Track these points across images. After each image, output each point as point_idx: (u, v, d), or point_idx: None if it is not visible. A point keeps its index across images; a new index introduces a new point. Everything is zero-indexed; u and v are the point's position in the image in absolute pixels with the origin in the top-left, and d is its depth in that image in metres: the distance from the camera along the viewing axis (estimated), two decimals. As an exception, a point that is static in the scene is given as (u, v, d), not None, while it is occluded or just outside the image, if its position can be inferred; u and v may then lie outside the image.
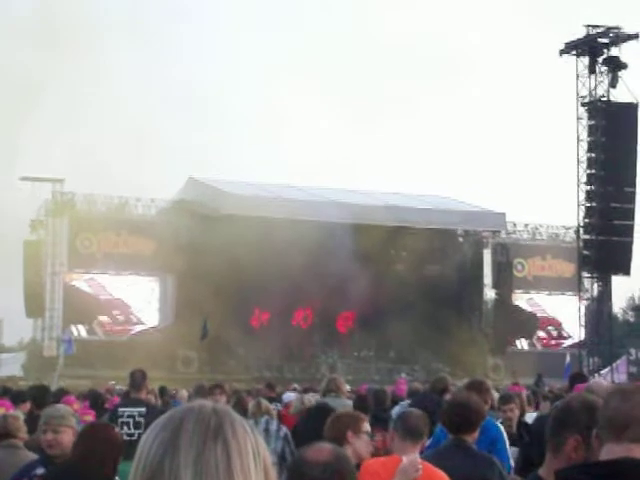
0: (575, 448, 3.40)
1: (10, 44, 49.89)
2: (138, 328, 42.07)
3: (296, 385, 23.56)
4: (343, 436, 5.49)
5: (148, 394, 12.88)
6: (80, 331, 40.92)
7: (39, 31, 45.32)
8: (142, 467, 1.59)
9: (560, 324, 48.29)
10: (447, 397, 9.59)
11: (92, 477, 5.16)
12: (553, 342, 48.15)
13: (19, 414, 7.09)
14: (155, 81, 76.02)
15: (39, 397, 10.42)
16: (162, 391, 17.22)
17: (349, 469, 3.55)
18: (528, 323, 47.40)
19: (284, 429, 10.49)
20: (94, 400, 13.80)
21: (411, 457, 5.27)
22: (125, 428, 9.57)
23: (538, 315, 48.17)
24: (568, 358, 36.84)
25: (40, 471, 5.78)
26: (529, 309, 48.18)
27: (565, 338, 47.77)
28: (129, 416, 9.74)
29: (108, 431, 5.63)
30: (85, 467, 5.21)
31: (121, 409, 10.09)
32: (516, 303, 47.33)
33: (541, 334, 48.30)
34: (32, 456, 6.31)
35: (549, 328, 48.51)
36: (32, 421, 7.68)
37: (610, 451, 2.76)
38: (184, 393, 17.18)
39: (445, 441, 6.26)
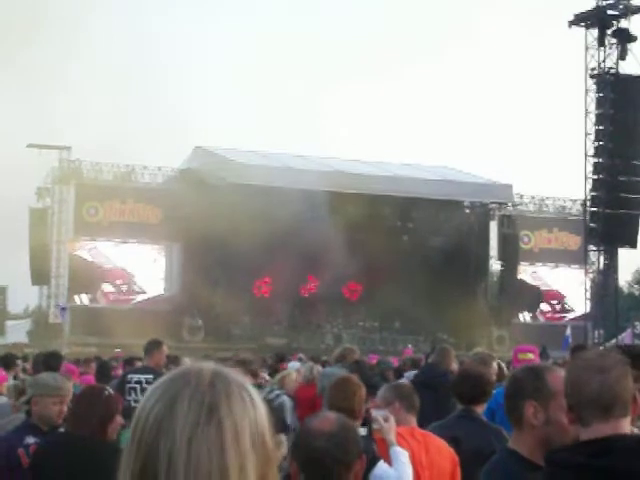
0: (534, 413, 3.43)
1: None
2: (142, 297, 42.10)
3: (301, 355, 23.56)
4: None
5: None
6: (83, 299, 41.00)
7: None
8: (137, 444, 1.50)
9: (563, 297, 48.28)
10: (454, 368, 9.56)
11: (91, 440, 5.11)
12: (556, 315, 48.16)
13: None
14: (160, 58, 75.91)
15: (53, 365, 10.31)
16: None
17: (354, 438, 3.54)
18: (532, 296, 47.36)
19: (282, 399, 10.53)
20: (100, 368, 13.83)
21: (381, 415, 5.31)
22: (132, 394, 9.66)
23: (542, 288, 48.12)
24: (568, 330, 36.86)
25: (31, 440, 5.64)
26: (533, 282, 48.12)
27: (568, 311, 47.78)
28: (137, 382, 9.82)
29: (102, 394, 5.57)
30: (83, 432, 5.15)
31: (130, 375, 10.19)
32: (521, 276, 47.27)
33: (544, 307, 48.30)
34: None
35: (553, 301, 48.49)
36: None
37: (598, 431, 2.76)
38: (187, 362, 17.12)
39: (455, 411, 6.27)
